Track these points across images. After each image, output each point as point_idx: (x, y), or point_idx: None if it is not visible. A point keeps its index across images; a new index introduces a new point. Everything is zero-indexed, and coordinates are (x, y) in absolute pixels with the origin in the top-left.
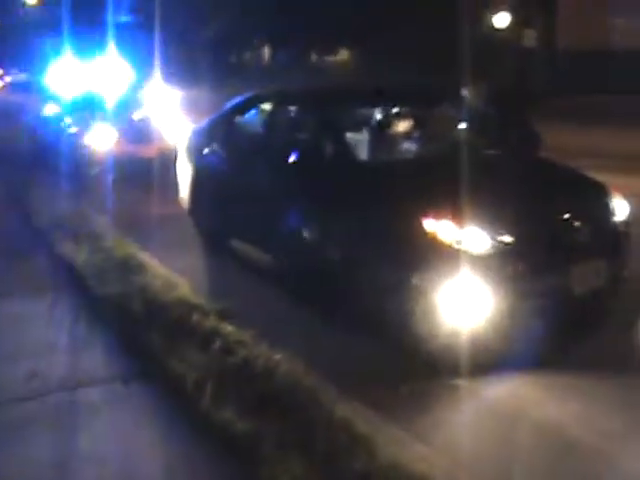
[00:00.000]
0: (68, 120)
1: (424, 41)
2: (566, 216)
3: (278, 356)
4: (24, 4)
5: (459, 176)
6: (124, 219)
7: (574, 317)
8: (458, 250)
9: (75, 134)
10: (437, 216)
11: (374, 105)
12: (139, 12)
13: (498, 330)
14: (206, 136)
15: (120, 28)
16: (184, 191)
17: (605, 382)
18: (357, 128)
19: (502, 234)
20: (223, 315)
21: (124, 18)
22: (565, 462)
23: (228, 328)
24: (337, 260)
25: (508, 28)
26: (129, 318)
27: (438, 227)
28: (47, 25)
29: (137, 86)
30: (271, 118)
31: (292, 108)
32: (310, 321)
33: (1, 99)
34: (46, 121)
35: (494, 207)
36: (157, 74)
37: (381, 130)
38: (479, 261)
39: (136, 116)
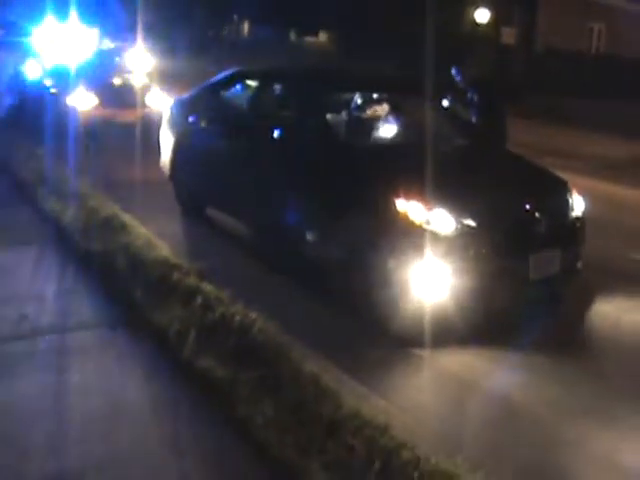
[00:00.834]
0: (48, 82)
1: (406, 30)
2: (528, 207)
3: (254, 314)
4: None
5: (431, 162)
6: (106, 181)
7: (529, 300)
8: (426, 230)
9: (55, 95)
10: (407, 197)
11: (355, 90)
12: None
13: (460, 306)
14: (190, 107)
15: None
16: (166, 156)
17: (551, 359)
18: (337, 110)
19: (467, 218)
20: (202, 275)
21: None
22: (507, 423)
23: (207, 287)
24: (310, 235)
25: (488, 24)
26: (114, 272)
27: (409, 207)
28: None
29: (116, 52)
30: (255, 94)
31: (276, 86)
32: (283, 286)
33: None
34: (28, 81)
35: (461, 193)
36: (138, 42)
37: (360, 113)
38: (444, 241)
39: (116, 81)
